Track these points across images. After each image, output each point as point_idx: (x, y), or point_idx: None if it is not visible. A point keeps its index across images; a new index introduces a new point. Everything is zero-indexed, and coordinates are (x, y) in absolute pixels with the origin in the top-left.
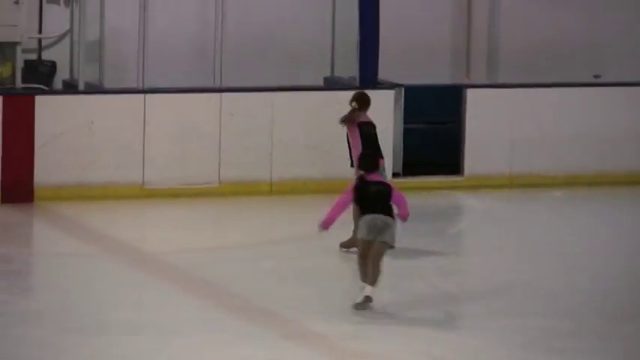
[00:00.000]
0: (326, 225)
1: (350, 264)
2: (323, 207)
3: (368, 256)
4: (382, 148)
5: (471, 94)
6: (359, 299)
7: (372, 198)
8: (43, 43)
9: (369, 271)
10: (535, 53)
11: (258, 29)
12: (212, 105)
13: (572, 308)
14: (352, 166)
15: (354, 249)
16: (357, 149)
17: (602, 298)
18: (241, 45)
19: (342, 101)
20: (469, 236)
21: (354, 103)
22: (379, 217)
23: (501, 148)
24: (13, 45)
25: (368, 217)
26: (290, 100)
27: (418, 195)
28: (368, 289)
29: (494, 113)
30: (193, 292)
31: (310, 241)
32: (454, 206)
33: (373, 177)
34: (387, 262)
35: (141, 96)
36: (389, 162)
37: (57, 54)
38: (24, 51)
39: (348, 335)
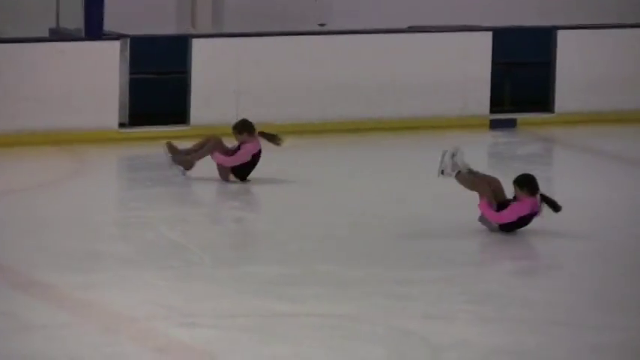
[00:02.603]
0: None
1: (77, 214)
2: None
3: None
4: (108, 99)
5: (196, 44)
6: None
7: None
8: None
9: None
10: (259, 3)
11: None
12: None
13: (300, 255)
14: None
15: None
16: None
17: (327, 245)
18: None
19: (66, 51)
20: (197, 186)
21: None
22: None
23: (227, 97)
24: None
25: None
26: (14, 51)
27: (146, 145)
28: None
29: (220, 63)
30: None
31: (40, 192)
32: None
33: None
34: (114, 212)
35: None
36: (115, 113)
37: None
38: None
39: (77, 285)
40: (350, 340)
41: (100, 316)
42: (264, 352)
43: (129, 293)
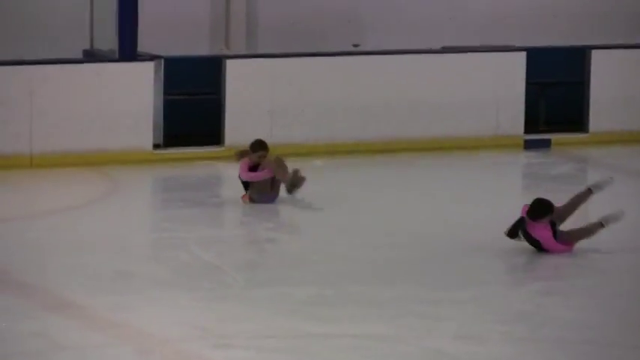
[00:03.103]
0: None
1: (111, 235)
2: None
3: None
4: (142, 120)
5: (230, 65)
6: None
7: None
8: None
9: None
10: (293, 24)
11: (12, 2)
12: None
13: (333, 276)
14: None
15: None
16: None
17: (360, 265)
18: None
19: (101, 73)
20: (231, 207)
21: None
22: None
23: (261, 118)
24: None
25: None
26: (49, 72)
27: (180, 166)
28: None
29: (254, 83)
30: None
31: (74, 213)
32: (215, 176)
33: None
34: (148, 233)
35: None
36: (149, 134)
37: None
38: None
39: (111, 306)
40: None
41: (133, 337)
42: None
43: (162, 314)
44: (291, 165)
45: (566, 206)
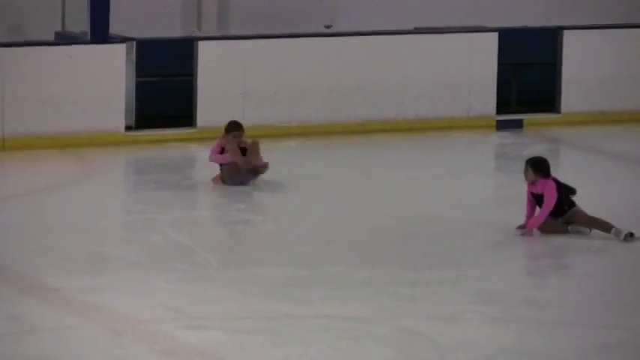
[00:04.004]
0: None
1: (84, 217)
2: (56, 161)
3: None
4: (114, 102)
5: (202, 47)
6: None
7: None
8: None
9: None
10: (265, 5)
11: None
12: None
13: (308, 257)
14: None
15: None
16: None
17: (335, 246)
18: None
19: (73, 55)
20: (204, 189)
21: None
22: None
23: (234, 99)
24: None
25: None
26: (21, 55)
27: (153, 148)
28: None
29: (226, 65)
30: None
31: (47, 195)
32: (188, 158)
33: None
34: (121, 215)
35: None
36: (121, 116)
37: None
38: None
39: (85, 288)
40: (358, 341)
41: (107, 318)
42: (271, 354)
43: (136, 296)
44: (265, 147)
45: (589, 219)
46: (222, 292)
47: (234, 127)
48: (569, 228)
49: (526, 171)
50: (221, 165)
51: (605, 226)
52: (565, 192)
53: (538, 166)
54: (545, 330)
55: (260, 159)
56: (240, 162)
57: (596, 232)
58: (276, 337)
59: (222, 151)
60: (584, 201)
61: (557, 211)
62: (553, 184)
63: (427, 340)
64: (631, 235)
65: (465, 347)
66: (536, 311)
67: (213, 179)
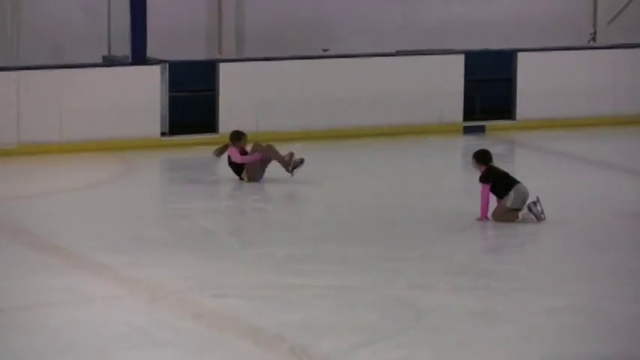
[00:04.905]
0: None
1: (126, 207)
2: (103, 161)
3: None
4: (151, 113)
5: (223, 67)
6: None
7: None
8: None
9: None
10: (274, 33)
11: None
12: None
13: (310, 238)
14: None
15: None
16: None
17: (332, 229)
18: (32, 28)
19: (117, 75)
20: (224, 184)
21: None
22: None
23: (249, 110)
24: None
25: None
26: (75, 75)
27: (183, 150)
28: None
29: (243, 82)
30: None
31: (95, 189)
32: (211, 159)
33: None
34: (157, 205)
35: None
36: (157, 124)
37: None
38: None
39: (127, 264)
40: (350, 306)
41: (145, 289)
42: (280, 317)
43: (169, 270)
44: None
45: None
46: (240, 267)
47: (242, 135)
48: (519, 215)
49: (472, 162)
50: (242, 166)
51: (513, 216)
52: (500, 175)
53: (477, 156)
54: (503, 296)
55: (282, 155)
56: (282, 159)
57: (549, 215)
58: (285, 303)
59: (241, 154)
60: (534, 191)
61: (498, 193)
62: (485, 171)
63: (408, 305)
64: (534, 202)
65: (439, 310)
66: (495, 281)
67: (241, 177)
